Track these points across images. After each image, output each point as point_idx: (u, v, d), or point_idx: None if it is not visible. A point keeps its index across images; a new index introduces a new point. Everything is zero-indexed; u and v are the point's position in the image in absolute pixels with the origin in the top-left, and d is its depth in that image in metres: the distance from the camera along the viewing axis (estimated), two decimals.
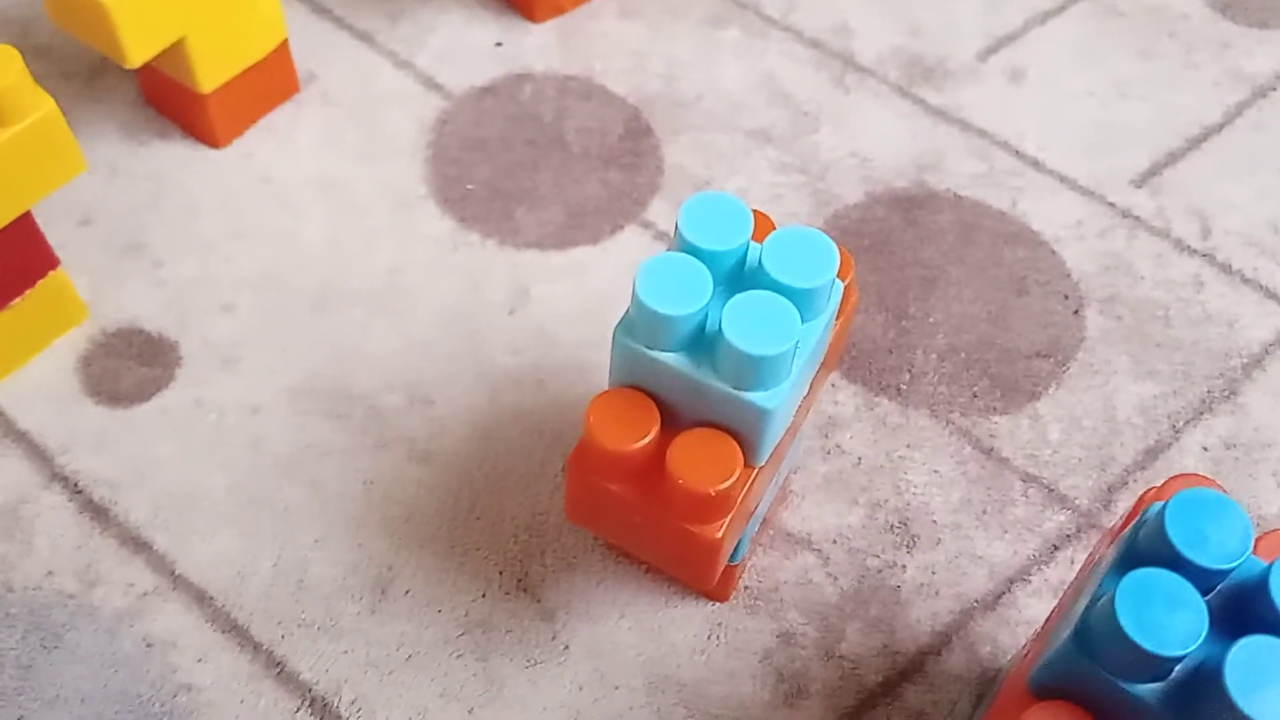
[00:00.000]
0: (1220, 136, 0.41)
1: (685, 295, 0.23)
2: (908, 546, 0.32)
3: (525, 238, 0.37)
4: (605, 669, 0.29)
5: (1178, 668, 0.20)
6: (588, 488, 0.25)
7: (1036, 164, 0.40)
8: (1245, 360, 0.36)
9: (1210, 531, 0.21)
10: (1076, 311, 0.37)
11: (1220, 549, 0.20)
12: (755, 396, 0.23)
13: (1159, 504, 0.22)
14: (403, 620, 0.30)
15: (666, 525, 0.24)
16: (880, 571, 0.31)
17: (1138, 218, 0.39)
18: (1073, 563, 0.32)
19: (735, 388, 0.23)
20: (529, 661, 0.29)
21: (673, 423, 0.24)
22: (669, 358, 0.24)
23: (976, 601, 0.31)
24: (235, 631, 0.29)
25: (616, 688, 0.29)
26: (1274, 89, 0.42)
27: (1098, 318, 0.36)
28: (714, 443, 0.24)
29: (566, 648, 0.29)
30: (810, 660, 0.30)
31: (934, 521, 0.32)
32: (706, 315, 0.24)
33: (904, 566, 0.31)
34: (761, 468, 0.25)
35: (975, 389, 0.35)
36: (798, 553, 0.32)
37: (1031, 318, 0.36)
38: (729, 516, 0.24)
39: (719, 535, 0.24)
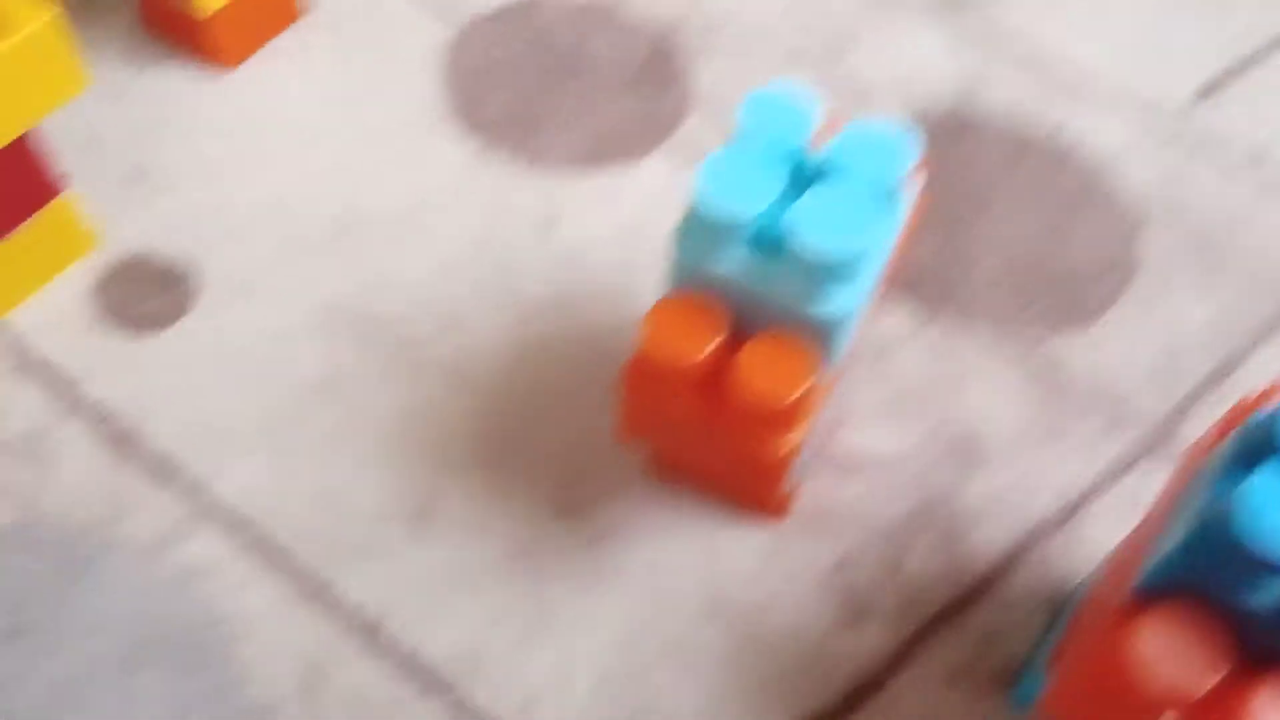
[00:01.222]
0: None
1: (748, 194, 0.22)
2: (970, 467, 0.30)
3: (550, 161, 0.36)
4: (659, 591, 0.28)
5: None
6: (646, 402, 0.23)
7: (1089, 79, 0.38)
8: None
9: None
10: (1135, 229, 0.35)
11: None
12: (825, 304, 0.22)
13: (1268, 410, 0.20)
14: (448, 545, 0.28)
15: (730, 443, 0.23)
16: (943, 492, 0.30)
17: (1197, 133, 0.37)
18: (1141, 485, 0.30)
19: (804, 294, 0.22)
20: (580, 585, 0.28)
21: (737, 328, 0.23)
22: (731, 263, 0.22)
23: (1043, 522, 0.30)
24: (276, 556, 0.28)
25: (673, 609, 0.28)
26: None
27: (1158, 234, 0.35)
28: (782, 352, 0.22)
29: (617, 570, 0.28)
30: (872, 582, 0.28)
31: (996, 444, 0.31)
32: (772, 216, 0.22)
33: (967, 488, 0.30)
34: (826, 384, 0.23)
35: (1034, 307, 0.33)
36: (856, 475, 0.30)
37: (1088, 236, 0.35)
38: (796, 430, 0.23)
39: (785, 450, 0.22)
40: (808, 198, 0.22)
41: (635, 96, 0.37)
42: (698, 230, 0.22)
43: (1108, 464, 0.31)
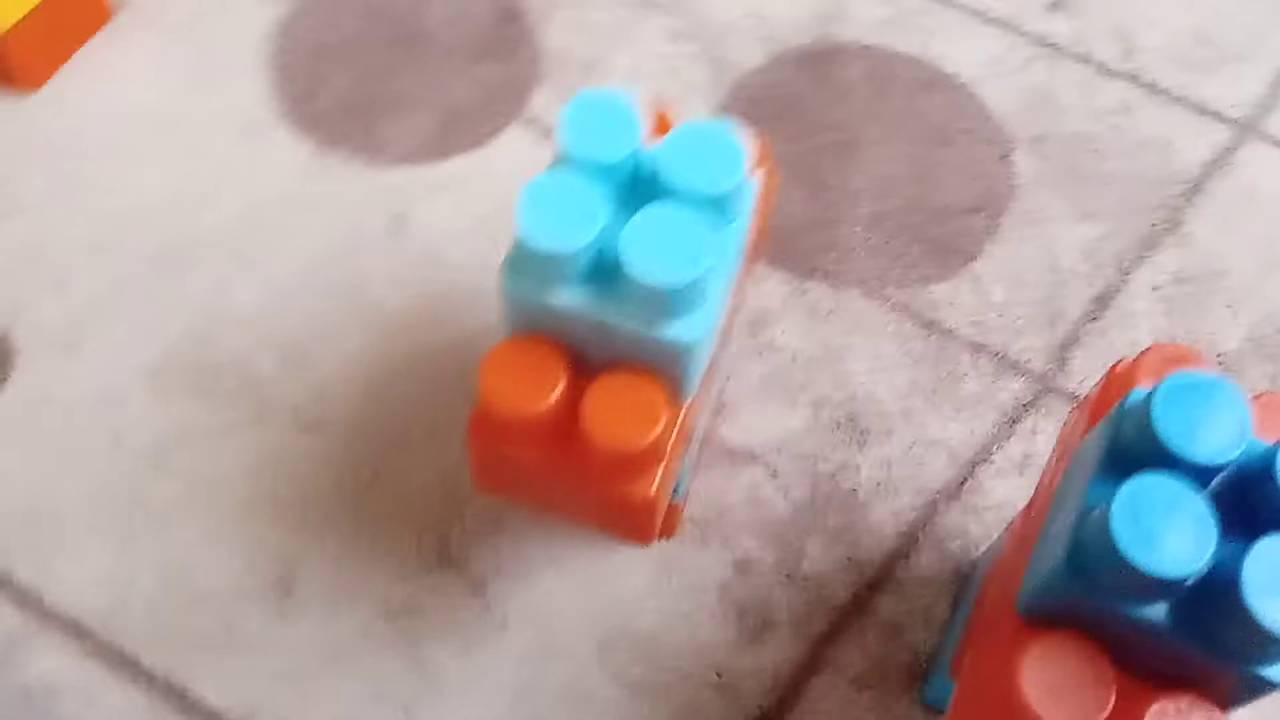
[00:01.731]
0: None
1: (576, 224, 0.20)
2: (859, 443, 0.29)
3: (395, 152, 0.33)
4: (550, 635, 0.26)
5: (1192, 588, 0.18)
6: (494, 457, 0.21)
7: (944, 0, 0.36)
8: (1186, 185, 0.33)
9: (1204, 421, 0.18)
10: (1004, 156, 0.34)
11: (1218, 440, 0.18)
12: (673, 331, 0.20)
13: (1141, 390, 0.19)
14: (314, 618, 0.26)
15: (591, 489, 0.21)
16: (833, 475, 0.29)
17: (1056, 45, 0.36)
18: (1034, 433, 0.29)
19: (649, 324, 0.20)
20: (464, 643, 0.26)
21: (582, 368, 0.21)
22: (567, 298, 0.20)
23: (939, 492, 0.29)
24: (124, 664, 0.26)
25: (565, 654, 0.26)
26: None
27: (1027, 160, 0.34)
28: (633, 388, 0.21)
29: (504, 619, 0.27)
30: (772, 587, 0.27)
31: (883, 411, 0.30)
32: (605, 242, 0.20)
33: (858, 466, 0.29)
34: (690, 403, 0.22)
35: (908, 257, 0.32)
36: (742, 469, 0.29)
37: (958, 170, 0.33)
38: (660, 469, 0.21)
39: (651, 492, 0.21)
40: (639, 221, 0.20)
41: (482, 67, 0.34)
42: (526, 265, 0.20)
43: (996, 420, 0.30)
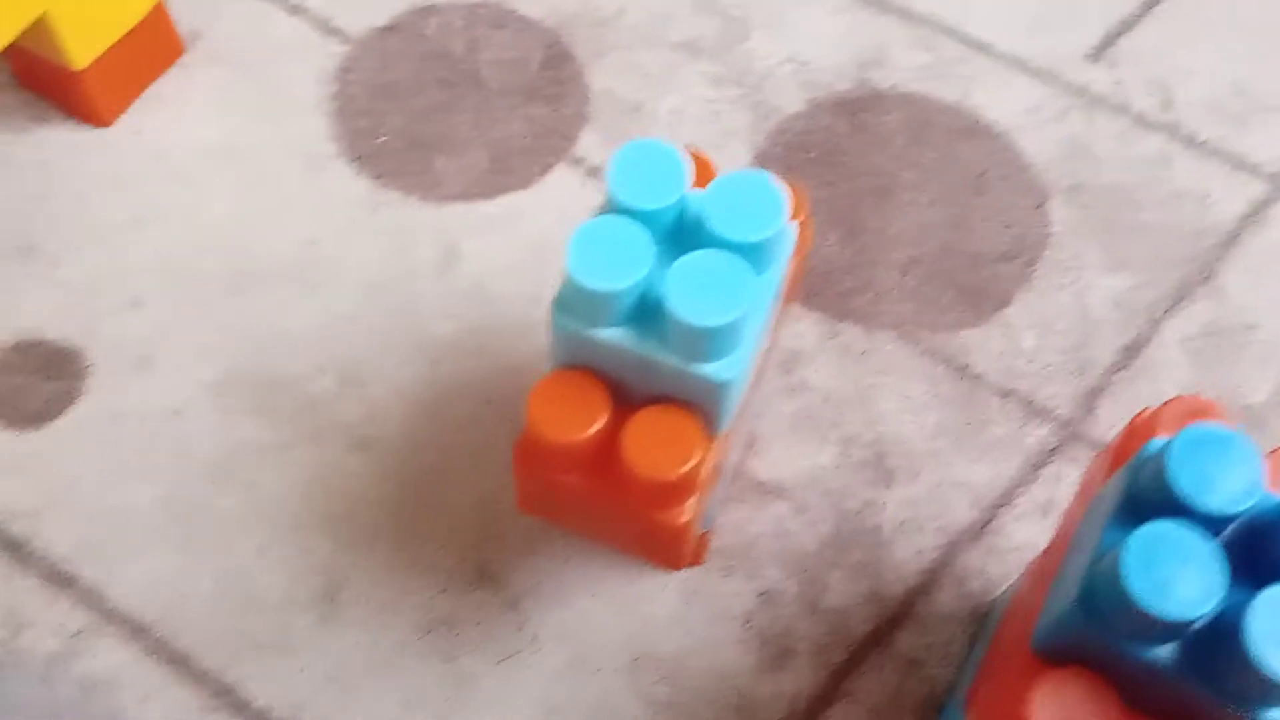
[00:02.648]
0: None
1: (623, 265, 0.21)
2: (885, 482, 0.30)
3: (449, 189, 0.35)
4: (580, 653, 0.28)
5: (1200, 631, 0.19)
6: (538, 480, 0.23)
7: (984, 48, 0.37)
8: (1220, 238, 0.34)
9: (1218, 472, 0.19)
10: (1040, 205, 0.35)
11: (1230, 491, 0.19)
12: (710, 369, 0.21)
13: (1159, 440, 0.20)
14: (358, 627, 0.28)
15: (627, 514, 0.22)
16: (859, 512, 0.30)
17: (1095, 95, 0.36)
18: (1059, 480, 0.30)
19: (688, 361, 0.21)
20: (499, 656, 0.27)
21: (624, 400, 0.22)
22: (612, 334, 0.21)
23: (962, 532, 0.30)
24: (179, 662, 0.27)
25: (594, 672, 0.27)
26: None
27: (1063, 209, 0.34)
28: (671, 421, 0.22)
29: (536, 636, 0.28)
30: (794, 617, 0.28)
31: (910, 451, 0.31)
32: (649, 284, 0.21)
33: (883, 504, 0.30)
34: (723, 437, 0.23)
35: (941, 302, 0.33)
36: (770, 503, 0.30)
37: (994, 217, 0.34)
38: (694, 498, 0.22)
39: (684, 520, 0.22)
40: (683, 264, 0.21)
41: (532, 107, 0.36)
42: (575, 302, 0.22)
43: (1021, 464, 0.30)
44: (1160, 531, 0.18)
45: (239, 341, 0.32)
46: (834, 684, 0.27)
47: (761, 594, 0.28)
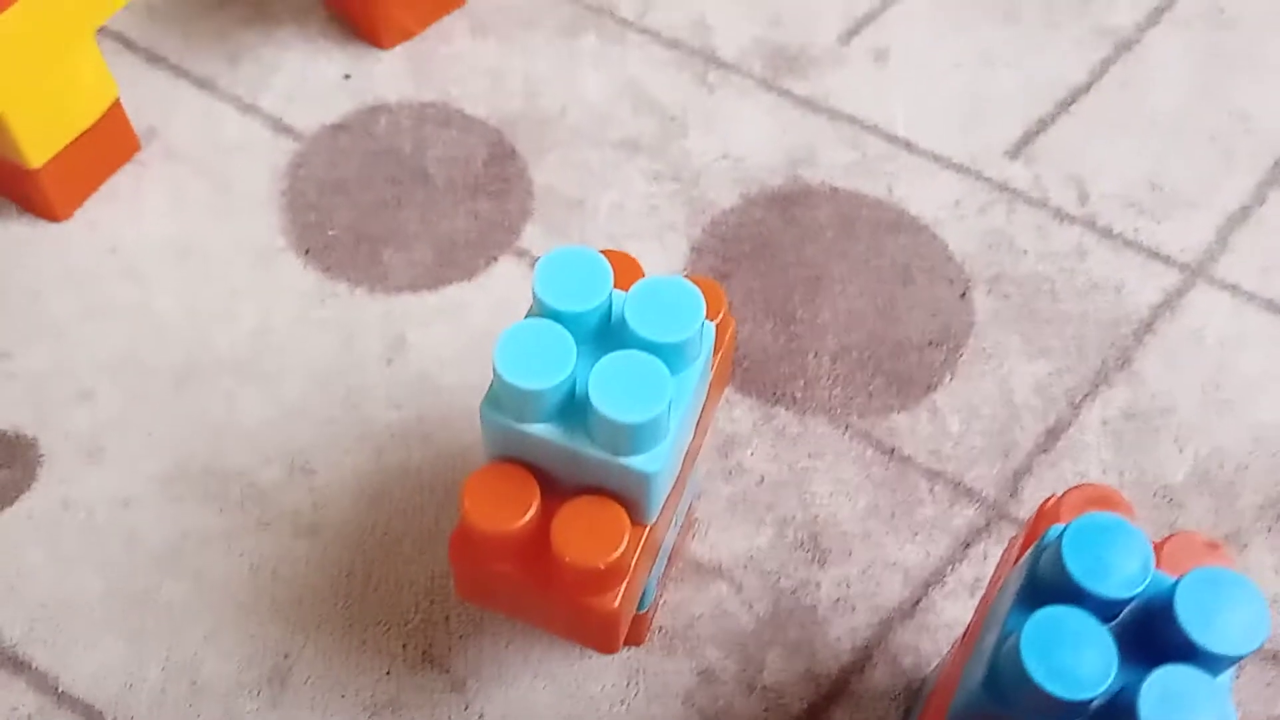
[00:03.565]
0: (1089, 97, 0.40)
1: (548, 365, 0.22)
2: (820, 562, 0.31)
3: (396, 281, 0.36)
4: None
5: (1092, 704, 0.20)
6: (475, 569, 0.24)
7: (909, 145, 0.39)
8: (1136, 326, 0.36)
9: (1110, 559, 0.20)
10: (963, 295, 0.36)
11: (1121, 577, 0.20)
12: (635, 461, 0.22)
13: (1058, 527, 0.21)
14: (306, 710, 0.28)
15: (560, 601, 0.23)
16: (794, 592, 0.31)
17: (1015, 190, 0.38)
18: (986, 558, 0.31)
19: (613, 454, 0.22)
20: None
21: (555, 491, 0.23)
22: (540, 429, 0.23)
23: (894, 611, 0.31)
24: None
25: None
26: (1137, 41, 0.42)
27: (985, 299, 0.36)
28: (599, 511, 0.23)
29: (481, 717, 0.28)
30: (733, 696, 0.29)
31: (843, 532, 0.32)
32: (575, 381, 0.23)
33: (818, 584, 0.31)
34: (654, 524, 0.24)
35: (871, 388, 0.34)
36: (709, 583, 0.31)
37: (919, 306, 0.36)
38: (624, 584, 0.23)
39: (615, 605, 0.23)
40: (605, 364, 0.22)
41: (477, 202, 0.37)
42: (504, 399, 0.23)
43: (950, 543, 0.32)
44: (1056, 615, 0.19)
45: (188, 432, 0.32)
46: None
47: (701, 673, 0.29)
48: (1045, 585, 0.20)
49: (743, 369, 0.34)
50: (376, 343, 0.34)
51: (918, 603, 0.31)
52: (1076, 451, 0.33)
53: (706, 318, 0.23)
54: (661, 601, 0.30)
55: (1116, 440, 0.34)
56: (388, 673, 0.29)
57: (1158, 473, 0.33)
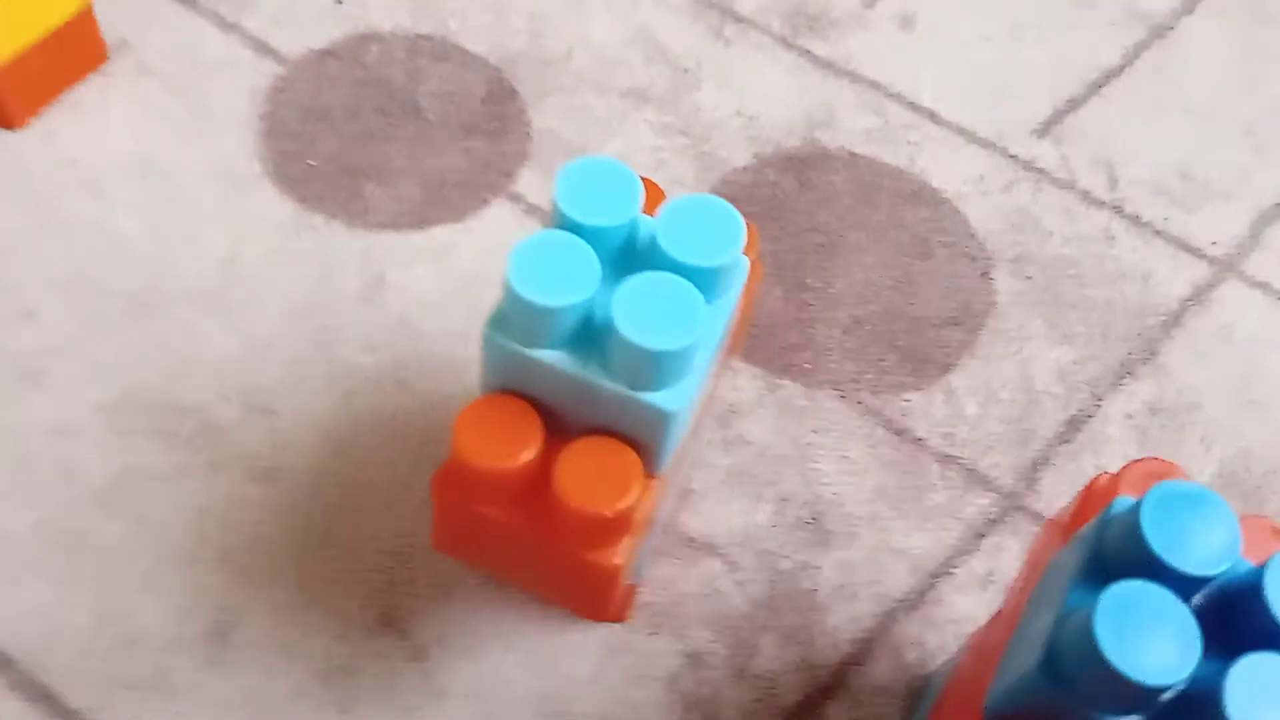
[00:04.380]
0: (1121, 79, 0.38)
1: (567, 282, 0.19)
2: (821, 544, 0.29)
3: (378, 217, 0.33)
4: (489, 710, 0.25)
5: (1170, 700, 0.17)
6: (459, 513, 0.21)
7: (933, 116, 0.37)
8: (1163, 318, 0.34)
9: (1192, 531, 0.18)
10: (985, 273, 0.34)
11: (1205, 552, 0.18)
12: (656, 398, 0.20)
13: (1126, 499, 0.19)
14: (248, 671, 0.25)
15: (555, 553, 0.20)
16: (793, 574, 0.28)
17: (1042, 169, 0.36)
18: (999, 550, 0.29)
19: (632, 389, 0.20)
20: (401, 708, 0.25)
21: (559, 430, 0.21)
22: (551, 357, 0.20)
23: (899, 601, 0.28)
24: (45, 699, 0.25)
25: None
26: (1171, 28, 0.40)
27: (1007, 279, 0.34)
28: (609, 454, 0.20)
29: (443, 689, 0.26)
30: (721, 682, 0.26)
31: (848, 514, 0.29)
32: (594, 305, 0.20)
33: (818, 566, 0.28)
34: (662, 476, 0.21)
35: (884, 364, 0.32)
36: (701, 560, 0.28)
37: (938, 282, 0.33)
38: (628, 539, 0.20)
39: (616, 561, 0.20)
40: (634, 283, 0.20)
41: (471, 141, 0.34)
42: (512, 319, 0.20)
43: (962, 533, 0.29)
44: (1134, 590, 0.17)
45: (140, 362, 0.29)
46: None
47: (688, 655, 0.27)
48: (1114, 561, 0.18)
49: (749, 335, 0.32)
50: (353, 281, 0.32)
51: (924, 594, 0.28)
52: (1098, 444, 0.31)
53: (745, 257, 0.21)
54: (649, 577, 0.27)
55: (1140, 435, 0.31)
56: (342, 636, 0.26)
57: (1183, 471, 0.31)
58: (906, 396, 0.31)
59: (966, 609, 0.28)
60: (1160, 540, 0.17)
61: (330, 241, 0.32)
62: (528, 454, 0.20)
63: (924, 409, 0.31)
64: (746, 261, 0.22)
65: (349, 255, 0.32)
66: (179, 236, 0.32)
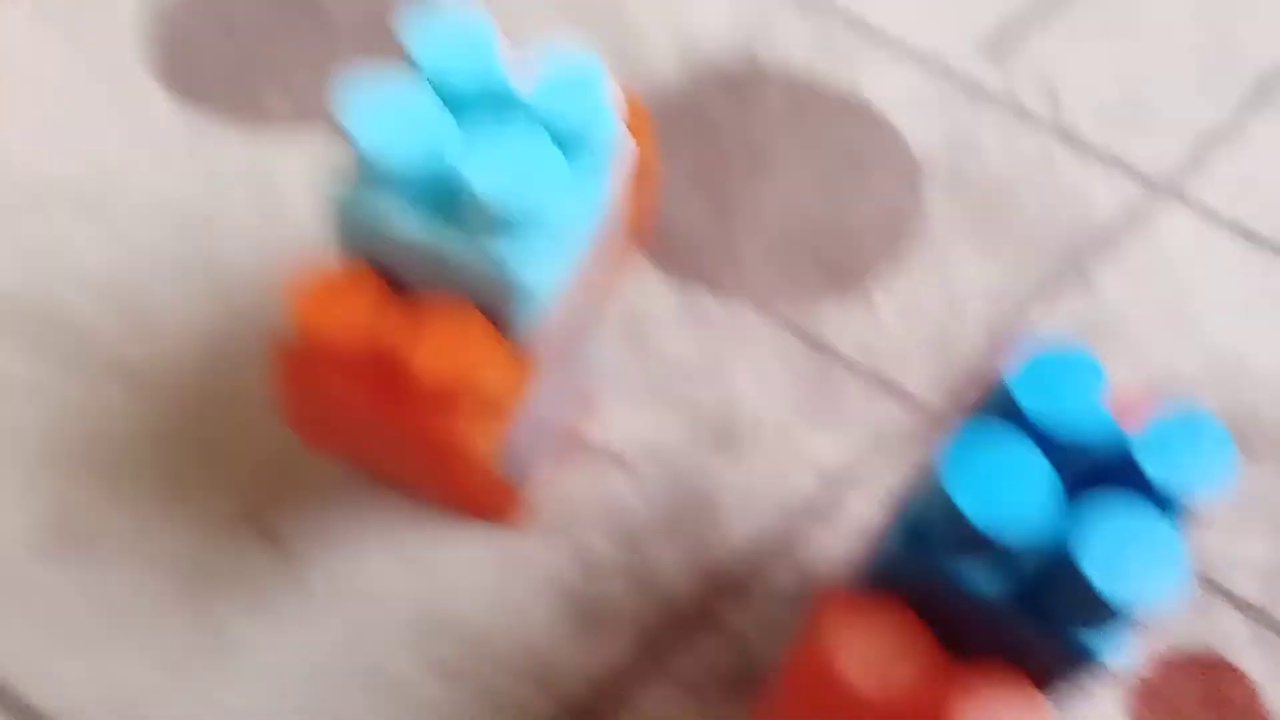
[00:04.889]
0: (1068, 1, 0.37)
1: (415, 135, 0.18)
2: (729, 453, 0.28)
3: (270, 121, 0.32)
4: (362, 618, 0.24)
5: (1027, 555, 0.16)
6: (304, 391, 0.20)
7: (874, 31, 0.36)
8: (1096, 239, 0.33)
9: (1064, 393, 0.16)
10: (916, 189, 0.33)
11: (1076, 415, 0.16)
12: (510, 262, 0.18)
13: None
14: (97, 571, 0.24)
15: (412, 436, 0.19)
16: (697, 483, 0.27)
17: (981, 86, 0.35)
18: (910, 464, 0.28)
19: (484, 251, 0.18)
20: (265, 614, 0.24)
21: (408, 299, 0.19)
22: (399, 218, 0.19)
23: (806, 511, 0.27)
24: None
25: (378, 636, 0.24)
26: None
27: (940, 196, 0.33)
28: (465, 323, 0.19)
29: (313, 594, 0.24)
30: (615, 587, 0.25)
31: (759, 424, 0.28)
32: (446, 161, 0.19)
33: (724, 476, 0.27)
34: (536, 357, 0.20)
35: (805, 276, 0.31)
36: (602, 467, 0.27)
37: (868, 198, 0.32)
38: (490, 419, 0.19)
39: (478, 440, 0.19)
40: (488, 140, 0.18)
41: (373, 44, 0.33)
42: (357, 183, 0.19)
43: (874, 445, 0.28)
44: (991, 440, 0.16)
45: (10, 267, 0.28)
46: (653, 661, 0.24)
47: (582, 562, 0.26)
48: (988, 424, 0.17)
49: (667, 245, 0.30)
50: (244, 188, 0.30)
51: (833, 504, 0.27)
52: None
53: (626, 129, 0.19)
54: (545, 484, 0.26)
55: None
56: (207, 539, 0.25)
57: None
58: (827, 309, 0.30)
59: (875, 519, 0.27)
60: (1029, 400, 0.16)
61: (222, 148, 0.31)
62: (371, 322, 0.19)
63: (843, 321, 0.30)
64: (623, 129, 0.20)
65: (241, 161, 0.31)
66: (57, 138, 0.30)
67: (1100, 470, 0.16)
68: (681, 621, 0.25)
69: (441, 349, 0.19)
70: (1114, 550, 0.15)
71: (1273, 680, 0.25)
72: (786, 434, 0.28)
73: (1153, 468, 0.16)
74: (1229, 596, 0.26)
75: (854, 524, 0.27)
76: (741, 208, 0.32)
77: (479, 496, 0.21)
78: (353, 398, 0.19)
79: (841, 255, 0.31)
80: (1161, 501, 0.16)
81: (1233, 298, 0.32)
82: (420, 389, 0.19)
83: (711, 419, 0.28)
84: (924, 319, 0.30)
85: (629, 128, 0.21)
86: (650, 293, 0.30)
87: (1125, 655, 0.16)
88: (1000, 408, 0.17)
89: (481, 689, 0.24)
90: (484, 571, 0.25)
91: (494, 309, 0.19)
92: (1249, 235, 0.33)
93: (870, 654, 0.16)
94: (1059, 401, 0.16)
